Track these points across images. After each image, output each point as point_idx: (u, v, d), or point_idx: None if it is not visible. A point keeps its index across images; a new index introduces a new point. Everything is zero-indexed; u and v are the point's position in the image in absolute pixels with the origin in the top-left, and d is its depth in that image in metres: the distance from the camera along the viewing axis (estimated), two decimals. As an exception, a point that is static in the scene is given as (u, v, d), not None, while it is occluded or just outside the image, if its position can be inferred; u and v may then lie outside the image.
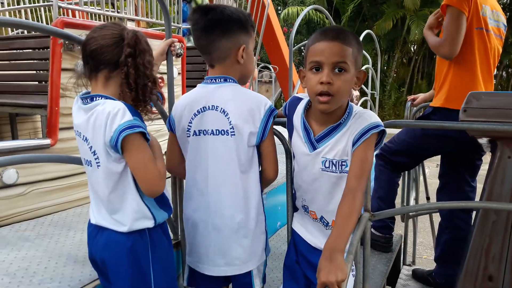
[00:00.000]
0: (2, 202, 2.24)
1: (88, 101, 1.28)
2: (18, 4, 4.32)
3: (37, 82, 3.00)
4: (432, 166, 5.42)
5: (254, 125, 1.45)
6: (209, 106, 1.48)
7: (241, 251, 1.52)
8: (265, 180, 1.57)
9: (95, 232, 1.38)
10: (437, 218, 2.89)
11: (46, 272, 1.69)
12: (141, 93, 1.29)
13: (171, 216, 1.90)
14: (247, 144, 1.47)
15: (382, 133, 1.38)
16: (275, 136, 1.56)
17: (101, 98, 1.27)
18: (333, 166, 1.40)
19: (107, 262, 1.32)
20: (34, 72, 3.22)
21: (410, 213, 2.89)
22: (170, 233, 1.92)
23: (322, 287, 1.10)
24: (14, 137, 3.68)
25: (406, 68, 14.66)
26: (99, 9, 2.80)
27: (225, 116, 1.46)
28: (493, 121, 1.67)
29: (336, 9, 14.57)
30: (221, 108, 1.46)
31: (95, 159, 1.29)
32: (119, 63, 1.26)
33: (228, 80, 1.48)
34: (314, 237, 1.53)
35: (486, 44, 2.27)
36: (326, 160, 1.40)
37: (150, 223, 1.33)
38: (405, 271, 3.00)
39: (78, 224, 2.25)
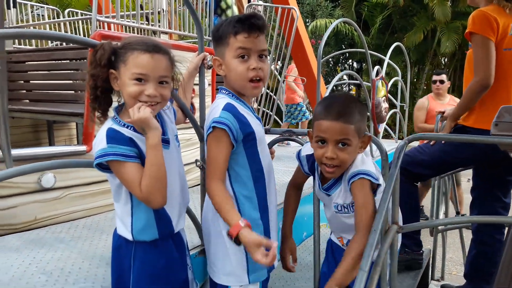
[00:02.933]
0: (41, 204, 2.35)
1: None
2: (58, 17, 4.55)
3: (73, 91, 3.13)
4: (463, 181, 5.29)
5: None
6: None
7: (213, 258, 1.55)
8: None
9: None
10: (468, 233, 2.84)
11: (80, 273, 1.76)
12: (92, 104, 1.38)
13: (199, 222, 1.96)
14: None
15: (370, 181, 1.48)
16: None
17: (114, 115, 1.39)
18: (345, 209, 1.55)
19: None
20: (71, 82, 3.37)
21: (440, 228, 2.84)
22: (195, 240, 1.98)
23: None
24: (51, 143, 3.85)
25: (437, 81, 14.46)
26: (134, 22, 2.92)
27: None
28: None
29: (365, 21, 14.51)
30: None
31: None
32: None
33: (221, 91, 1.55)
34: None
35: None
36: (338, 205, 1.56)
37: (128, 236, 1.38)
38: (434, 286, 2.94)
39: (110, 228, 2.32)
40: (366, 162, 1.51)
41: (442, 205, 3.17)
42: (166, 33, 2.95)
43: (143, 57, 1.31)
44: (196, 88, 1.99)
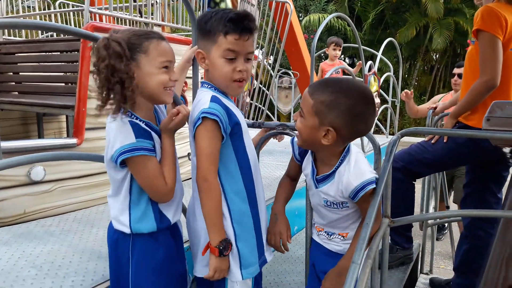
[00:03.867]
0: (30, 198, 2.32)
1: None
2: (49, 8, 4.48)
3: (64, 84, 3.10)
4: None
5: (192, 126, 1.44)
6: None
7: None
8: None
9: None
10: (456, 228, 2.86)
11: (71, 266, 1.75)
12: (103, 97, 1.30)
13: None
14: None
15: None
16: None
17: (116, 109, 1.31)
18: (334, 204, 1.48)
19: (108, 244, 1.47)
20: (62, 74, 3.33)
21: (429, 222, 2.86)
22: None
23: None
24: (40, 136, 3.81)
25: (428, 76, 14.47)
26: (127, 14, 2.89)
27: None
28: (515, 130, 1.65)
29: (358, 17, 14.51)
30: None
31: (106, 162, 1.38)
32: None
33: (203, 85, 1.51)
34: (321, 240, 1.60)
35: None
36: (327, 200, 1.48)
37: (125, 230, 1.36)
38: (422, 279, 2.97)
39: (101, 222, 2.32)
40: (360, 164, 1.42)
41: (432, 200, 3.20)
42: (159, 25, 2.93)
43: (163, 44, 1.34)
44: (189, 81, 1.97)
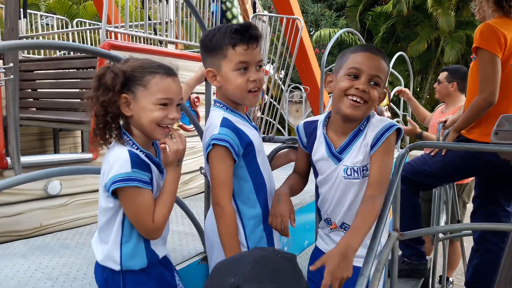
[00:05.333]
0: (46, 211, 2.39)
1: (116, 139, 1.35)
2: (66, 26, 4.63)
3: (80, 100, 3.18)
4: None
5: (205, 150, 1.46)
6: None
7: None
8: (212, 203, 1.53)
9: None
10: (468, 243, 2.84)
11: (85, 278, 1.79)
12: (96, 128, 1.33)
13: (203, 229, 1.98)
14: (207, 167, 1.49)
15: (398, 133, 1.45)
16: None
17: (126, 138, 1.32)
18: (355, 172, 1.46)
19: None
20: (78, 90, 3.43)
21: (440, 236, 2.85)
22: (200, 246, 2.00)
23: (328, 278, 1.16)
24: (56, 151, 3.90)
25: (440, 90, 14.48)
26: (142, 32, 2.97)
27: None
28: (524, 144, 1.67)
29: (369, 31, 14.59)
30: None
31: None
32: None
33: (215, 103, 1.52)
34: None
35: None
36: (348, 168, 1.46)
37: (115, 267, 1.33)
38: (436, 295, 2.94)
39: (115, 235, 2.36)
40: (383, 118, 1.49)
41: (443, 214, 3.18)
42: (172, 42, 3.01)
43: (167, 81, 1.30)
44: (202, 97, 2.03)
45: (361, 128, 1.47)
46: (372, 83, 1.40)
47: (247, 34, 1.39)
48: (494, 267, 2.36)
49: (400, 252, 2.78)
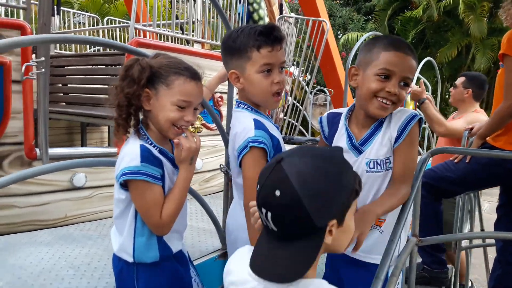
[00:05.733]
0: (71, 202, 2.46)
1: (134, 132, 1.37)
2: (97, 24, 4.76)
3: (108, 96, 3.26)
4: (492, 201, 5.15)
5: (236, 151, 1.43)
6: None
7: None
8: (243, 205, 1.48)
9: None
10: (491, 254, 2.77)
11: (106, 269, 1.84)
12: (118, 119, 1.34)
13: (222, 226, 2.01)
14: (235, 168, 1.47)
15: (420, 123, 1.43)
16: None
17: (141, 133, 1.34)
18: (378, 165, 1.44)
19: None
20: (107, 86, 3.52)
21: (463, 245, 2.78)
22: (220, 243, 2.03)
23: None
24: (83, 144, 4.01)
25: (470, 97, 14.13)
26: (170, 31, 3.03)
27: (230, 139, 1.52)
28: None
29: (398, 35, 14.40)
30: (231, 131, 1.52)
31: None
32: None
33: (239, 105, 1.51)
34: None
35: None
36: (370, 161, 1.44)
37: (128, 258, 1.36)
38: (456, 306, 2.87)
39: (136, 228, 2.41)
40: (403, 108, 1.48)
41: (466, 224, 3.11)
42: (199, 42, 3.05)
43: (190, 84, 1.32)
44: (226, 96, 2.06)
45: (382, 120, 1.45)
46: (402, 83, 1.38)
47: (271, 36, 1.38)
48: (516, 279, 2.31)
49: (420, 260, 2.74)
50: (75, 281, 1.71)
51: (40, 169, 1.46)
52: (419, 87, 3.08)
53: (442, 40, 13.53)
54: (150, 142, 1.33)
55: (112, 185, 2.63)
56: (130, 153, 1.28)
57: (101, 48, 4.13)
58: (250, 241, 1.39)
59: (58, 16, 4.12)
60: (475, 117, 3.19)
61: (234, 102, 1.57)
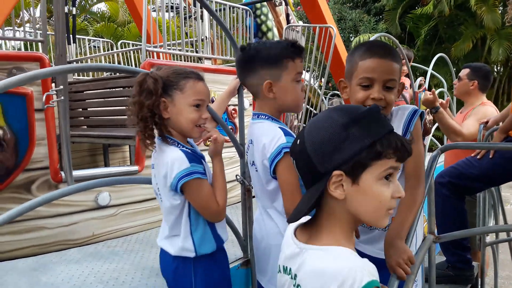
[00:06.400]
0: (97, 221, 2.56)
1: (161, 140, 1.47)
2: (112, 48, 4.93)
3: (127, 116, 3.36)
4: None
5: (266, 159, 1.48)
6: (250, 140, 1.64)
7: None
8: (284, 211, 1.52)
9: (161, 251, 1.60)
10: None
11: (133, 282, 1.91)
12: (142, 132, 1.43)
13: (242, 235, 2.06)
14: (266, 177, 1.52)
15: (421, 117, 1.46)
16: None
17: (173, 142, 1.45)
18: None
19: (164, 275, 1.56)
20: (124, 107, 3.64)
21: (487, 241, 2.76)
22: (240, 251, 2.08)
23: (397, 270, 1.22)
24: (107, 165, 4.14)
25: (490, 90, 13.84)
26: (180, 50, 3.14)
27: (255, 151, 1.57)
28: None
29: (410, 33, 14.28)
30: (253, 143, 1.59)
31: (158, 194, 1.50)
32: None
33: (259, 116, 1.57)
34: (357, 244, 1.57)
35: None
36: None
37: (190, 254, 1.46)
38: (485, 302, 2.84)
39: (160, 242, 2.49)
40: (403, 105, 1.51)
41: (491, 219, 3.08)
42: (209, 58, 3.15)
43: (199, 84, 1.46)
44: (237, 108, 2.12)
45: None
46: (386, 87, 1.39)
47: (299, 48, 1.51)
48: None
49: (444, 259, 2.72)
50: (104, 295, 1.79)
51: (64, 191, 1.54)
52: (431, 95, 2.93)
53: (456, 34, 13.35)
54: (182, 146, 1.45)
55: (136, 202, 2.76)
56: (176, 159, 1.39)
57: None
58: None
59: (75, 44, 4.30)
60: (484, 111, 3.14)
61: (250, 114, 1.64)
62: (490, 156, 2.29)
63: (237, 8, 3.51)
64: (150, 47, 2.84)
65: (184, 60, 3.41)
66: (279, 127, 1.48)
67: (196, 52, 3.39)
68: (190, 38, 3.60)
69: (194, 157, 1.43)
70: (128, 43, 5.65)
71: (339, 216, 0.94)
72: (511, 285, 4.36)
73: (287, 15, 4.78)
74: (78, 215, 2.50)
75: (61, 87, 1.93)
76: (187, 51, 3.14)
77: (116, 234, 2.63)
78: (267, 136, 1.47)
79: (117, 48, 5.07)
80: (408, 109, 1.47)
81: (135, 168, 2.76)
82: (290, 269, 0.99)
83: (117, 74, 4.02)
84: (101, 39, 4.87)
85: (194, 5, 3.17)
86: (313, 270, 0.90)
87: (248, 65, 1.55)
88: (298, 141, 0.98)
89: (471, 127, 2.95)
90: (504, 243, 3.08)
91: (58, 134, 2.38)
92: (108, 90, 3.69)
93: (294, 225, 1.06)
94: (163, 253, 1.55)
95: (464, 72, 3.37)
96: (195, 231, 1.47)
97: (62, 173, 2.39)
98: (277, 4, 4.77)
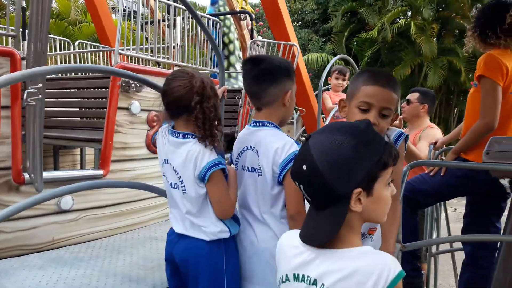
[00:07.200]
0: (58, 226, 2.46)
1: (178, 136, 1.55)
2: (68, 48, 4.75)
3: (95, 119, 3.27)
4: (450, 210, 5.47)
5: (275, 165, 1.56)
6: (248, 146, 1.68)
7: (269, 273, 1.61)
8: (288, 217, 1.61)
9: (177, 239, 1.61)
10: (458, 257, 2.98)
11: (106, 288, 1.88)
12: (208, 132, 1.52)
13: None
14: (271, 183, 1.59)
15: (406, 140, 1.60)
16: None
17: (191, 137, 1.53)
18: None
19: (189, 262, 1.57)
20: (80, 109, 3.53)
21: (433, 251, 2.99)
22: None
23: None
24: (56, 168, 3.95)
25: (424, 113, 14.90)
26: (151, 56, 3.13)
27: (258, 156, 1.63)
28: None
29: (354, 55, 15.05)
30: (256, 149, 1.64)
31: (182, 186, 1.54)
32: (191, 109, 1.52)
33: (266, 124, 1.65)
34: None
35: None
36: None
37: (226, 235, 1.57)
38: (429, 310, 3.06)
39: (126, 248, 2.45)
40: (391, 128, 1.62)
41: (433, 231, 3.33)
42: (179, 66, 3.16)
43: None
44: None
45: None
46: (382, 114, 1.49)
47: None
48: (485, 281, 2.51)
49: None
50: (78, 301, 1.74)
51: (50, 194, 1.50)
52: (397, 122, 3.17)
53: (396, 60, 14.28)
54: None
55: (99, 207, 2.68)
56: (206, 150, 1.50)
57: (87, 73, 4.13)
58: None
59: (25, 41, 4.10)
60: (433, 134, 3.38)
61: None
62: (442, 174, 2.51)
63: (208, 19, 3.56)
64: (123, 50, 2.80)
65: (154, 65, 3.40)
66: (288, 136, 1.59)
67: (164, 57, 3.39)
68: (163, 44, 3.58)
69: (219, 152, 1.59)
70: (86, 44, 5.46)
71: (354, 224, 1.02)
72: (444, 294, 4.70)
73: (251, 30, 4.89)
74: (38, 219, 2.39)
75: (40, 85, 1.87)
76: (158, 57, 3.13)
77: (77, 240, 2.54)
78: (279, 142, 1.55)
79: (74, 48, 4.89)
80: (394, 131, 1.59)
81: (100, 172, 2.69)
82: (306, 276, 1.02)
83: (79, 74, 3.90)
84: (57, 37, 4.68)
85: (168, 13, 3.17)
86: (346, 271, 0.96)
87: (271, 76, 1.65)
88: (305, 166, 1.00)
89: (425, 149, 3.18)
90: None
91: (23, 133, 2.28)
92: (67, 90, 3.57)
93: (293, 234, 1.12)
94: (192, 243, 1.57)
95: (414, 95, 3.62)
96: None
97: (25, 174, 2.29)
98: (242, 18, 4.88)
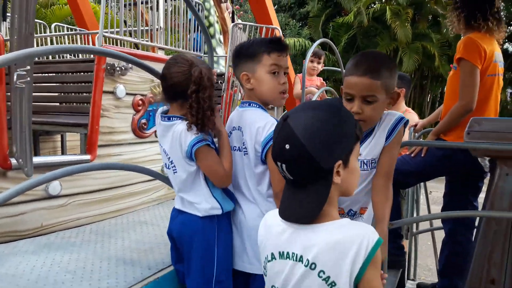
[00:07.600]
0: (47, 211, 2.44)
1: (166, 119, 1.64)
2: (44, 31, 4.62)
3: (82, 103, 3.21)
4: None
5: (258, 143, 1.62)
6: (235, 127, 1.74)
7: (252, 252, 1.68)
8: (274, 195, 1.66)
9: (176, 214, 1.74)
10: (438, 236, 3.13)
11: (101, 271, 1.89)
12: (200, 121, 1.56)
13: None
14: (254, 161, 1.65)
15: (405, 125, 1.65)
16: None
17: (177, 119, 1.62)
18: (365, 165, 1.63)
19: (183, 236, 1.68)
20: (66, 94, 3.47)
21: (414, 230, 3.12)
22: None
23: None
24: (36, 154, 3.88)
25: (398, 97, 15.19)
26: (135, 39, 3.09)
27: (242, 136, 1.69)
28: (492, 142, 1.94)
29: (331, 40, 15.11)
30: (242, 129, 1.70)
31: (172, 166, 1.65)
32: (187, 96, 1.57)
33: (251, 104, 1.70)
34: None
35: (497, 87, 2.47)
36: (360, 161, 1.62)
37: (218, 211, 1.65)
38: (410, 285, 3.21)
39: (117, 233, 2.45)
40: (391, 111, 1.66)
41: (414, 211, 3.47)
42: (162, 48, 3.14)
43: None
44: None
45: (375, 127, 1.64)
46: (367, 101, 1.53)
47: (280, 44, 1.65)
48: (464, 257, 2.64)
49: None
50: (76, 284, 1.74)
51: (42, 178, 1.49)
52: None
53: (372, 45, 14.43)
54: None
55: (87, 192, 2.67)
56: (187, 131, 1.57)
57: (57, 56, 4.04)
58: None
59: (5, 22, 3.97)
60: (411, 118, 3.46)
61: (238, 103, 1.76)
62: (422, 155, 2.61)
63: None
64: (107, 32, 2.76)
65: (139, 48, 3.35)
66: (271, 116, 1.63)
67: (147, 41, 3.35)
68: (142, 27, 3.53)
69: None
70: (63, 27, 5.31)
71: (332, 198, 1.08)
72: (421, 272, 4.89)
73: (232, 13, 4.87)
74: (26, 205, 2.36)
75: (28, 67, 1.83)
76: (142, 40, 3.09)
77: (66, 225, 2.52)
78: (261, 122, 1.61)
79: (50, 31, 4.75)
80: (395, 115, 1.63)
81: (87, 157, 2.66)
82: (291, 253, 1.06)
83: (60, 58, 3.80)
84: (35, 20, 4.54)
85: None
86: (329, 244, 1.02)
87: (234, 60, 1.72)
88: (288, 146, 1.02)
89: (405, 133, 3.29)
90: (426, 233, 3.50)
91: (9, 118, 2.23)
92: (49, 75, 3.49)
93: (273, 214, 1.17)
94: (187, 218, 1.67)
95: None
96: (215, 191, 1.66)
97: (12, 159, 2.25)
98: (222, 0, 4.84)
